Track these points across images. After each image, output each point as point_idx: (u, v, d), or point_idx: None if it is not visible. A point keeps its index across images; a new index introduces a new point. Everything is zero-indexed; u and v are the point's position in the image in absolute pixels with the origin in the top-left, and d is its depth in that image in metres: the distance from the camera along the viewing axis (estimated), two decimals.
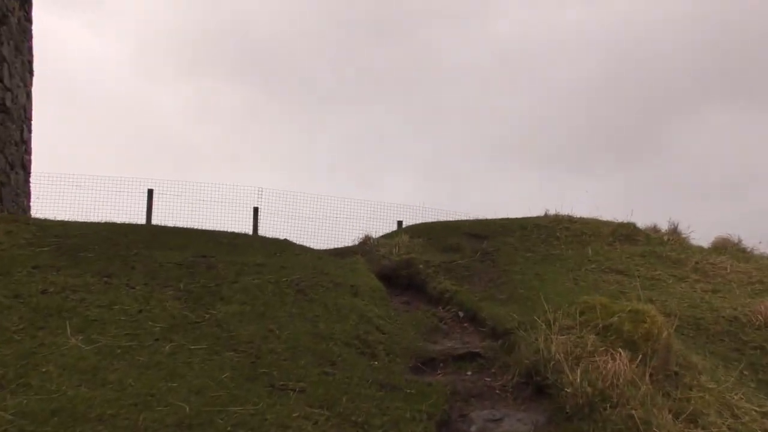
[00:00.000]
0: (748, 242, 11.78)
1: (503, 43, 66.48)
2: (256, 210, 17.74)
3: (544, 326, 5.68)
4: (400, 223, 15.97)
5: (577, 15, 64.79)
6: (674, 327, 5.76)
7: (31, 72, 11.79)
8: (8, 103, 10.23)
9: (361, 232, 14.38)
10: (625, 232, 11.48)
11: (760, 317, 7.48)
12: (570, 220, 12.08)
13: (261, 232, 16.43)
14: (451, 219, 14.29)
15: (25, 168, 11.27)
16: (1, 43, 9.94)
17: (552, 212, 12.48)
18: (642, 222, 12.15)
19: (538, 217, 12.37)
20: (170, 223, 13.52)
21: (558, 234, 11.33)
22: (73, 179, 16.72)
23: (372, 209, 17.78)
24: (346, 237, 15.20)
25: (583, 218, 12.25)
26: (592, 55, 64.41)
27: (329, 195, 18.16)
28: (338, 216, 18.26)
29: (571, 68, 61.74)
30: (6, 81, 10.12)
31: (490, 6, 70.20)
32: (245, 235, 9.97)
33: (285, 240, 11.05)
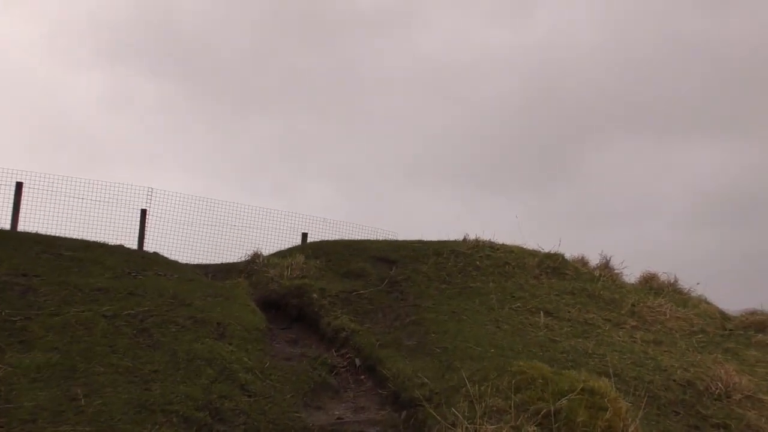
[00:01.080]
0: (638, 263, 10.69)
1: (424, 57, 65.75)
2: (143, 213, 15.16)
3: (465, 406, 4.08)
4: (305, 235, 14.24)
5: (500, 37, 64.76)
6: (627, 398, 4.32)
7: None
8: None
9: (260, 244, 12.58)
10: (553, 264, 10.07)
11: (719, 384, 6.12)
12: (491, 246, 10.57)
13: (149, 239, 14.21)
14: (360, 238, 12.67)
15: None
16: None
17: (472, 236, 10.97)
18: (567, 250, 10.77)
19: (456, 242, 10.81)
20: (39, 224, 11.35)
21: (478, 263, 9.80)
22: None
23: (275, 219, 15.94)
24: (242, 249, 13.34)
25: (506, 245, 10.78)
26: (511, 76, 64.46)
27: (230, 201, 16.02)
28: (238, 225, 16.18)
29: (488, 88, 61.49)
30: None
31: (414, 18, 69.42)
32: (100, 246, 8.02)
33: (154, 254, 9.14)
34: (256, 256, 9.78)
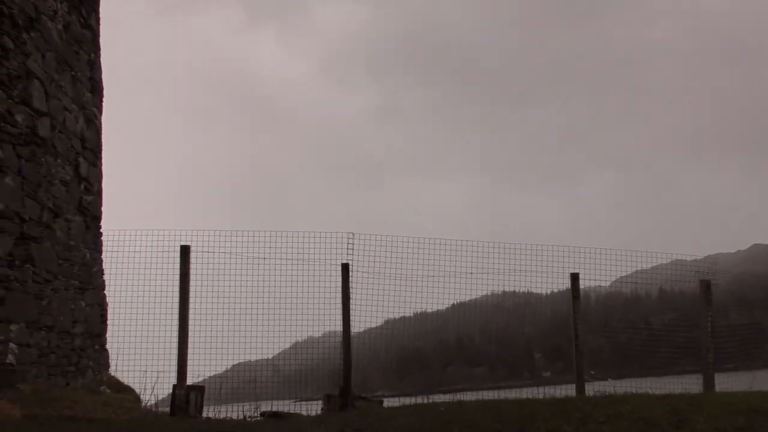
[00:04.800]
0: None
1: (706, 18, 61.59)
2: (345, 268, 10.67)
3: None
4: (575, 277, 10.89)
5: None
6: None
7: (95, 91, 9.65)
8: (43, 131, 8.04)
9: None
10: None
11: None
12: None
13: (355, 297, 10.41)
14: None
15: (86, 212, 9.09)
16: (27, 54, 7.77)
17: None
18: None
19: None
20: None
21: None
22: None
23: (530, 255, 11.92)
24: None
25: None
26: None
27: (457, 239, 11.21)
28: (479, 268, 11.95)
29: None
30: (38, 103, 7.94)
31: None
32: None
33: None
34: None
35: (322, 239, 9.82)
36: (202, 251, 9.03)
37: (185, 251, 8.97)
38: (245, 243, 9.49)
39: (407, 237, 10.31)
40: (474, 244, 10.75)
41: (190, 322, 8.91)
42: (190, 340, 8.94)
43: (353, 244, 9.77)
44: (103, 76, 10.10)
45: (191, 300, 8.92)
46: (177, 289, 8.81)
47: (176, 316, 8.97)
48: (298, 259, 9.55)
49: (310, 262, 9.64)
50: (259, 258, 9.35)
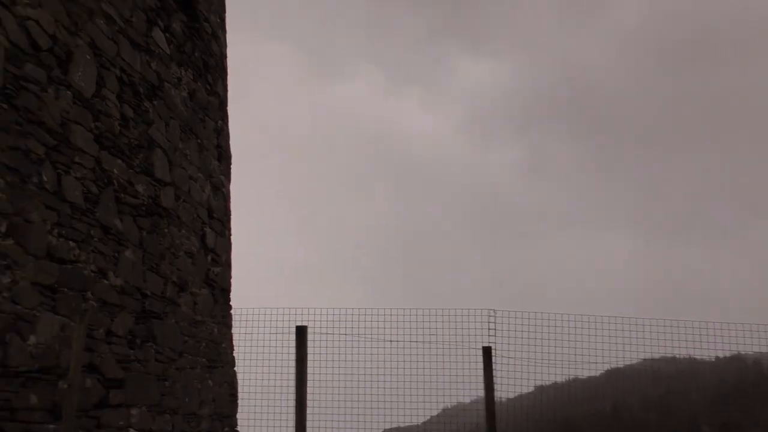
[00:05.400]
0: None
1: None
2: (487, 353, 9.12)
3: None
4: None
5: None
6: None
7: (222, 158, 9.37)
8: (166, 201, 7.70)
9: None
10: None
11: None
12: None
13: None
14: None
15: (214, 285, 8.67)
16: (149, 123, 7.49)
17: None
18: None
19: None
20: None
21: None
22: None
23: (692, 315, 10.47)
24: None
25: None
26: None
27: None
28: None
29: None
30: (160, 173, 7.62)
31: None
32: None
33: None
34: None
35: (459, 318, 8.81)
36: (320, 332, 8.30)
37: (301, 333, 8.24)
38: (373, 322, 8.68)
39: (554, 314, 9.09)
40: (620, 321, 9.40)
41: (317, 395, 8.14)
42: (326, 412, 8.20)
43: (494, 322, 8.68)
44: (236, 144, 9.84)
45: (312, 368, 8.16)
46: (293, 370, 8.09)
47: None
48: (431, 341, 8.60)
49: (446, 345, 8.66)
50: (386, 341, 8.49)
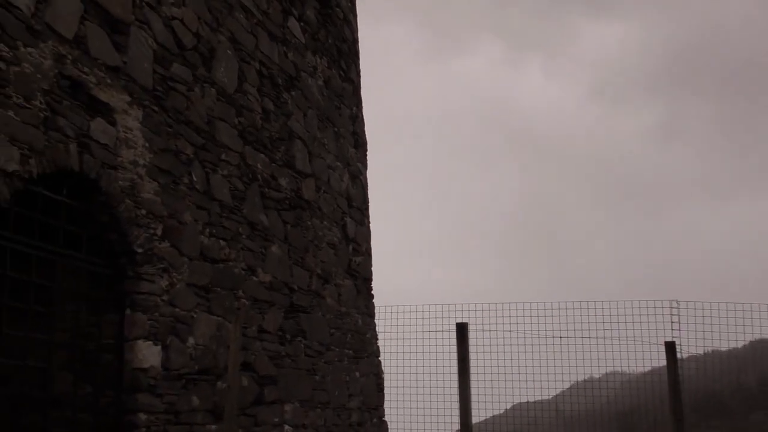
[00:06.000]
0: None
1: None
2: (671, 347, 7.98)
3: None
4: None
5: None
6: None
7: (358, 145, 9.22)
8: (308, 193, 7.60)
9: None
10: None
11: None
12: None
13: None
14: None
15: (356, 275, 8.55)
16: (288, 114, 7.38)
17: None
18: None
19: None
20: None
21: None
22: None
23: None
24: None
25: None
26: None
27: None
28: None
29: None
30: (301, 164, 7.51)
31: None
32: None
33: None
34: None
35: (635, 310, 8.06)
36: (483, 329, 7.89)
37: (462, 330, 7.83)
38: (535, 317, 8.18)
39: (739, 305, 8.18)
40: None
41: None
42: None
43: (678, 314, 7.89)
44: (366, 129, 9.64)
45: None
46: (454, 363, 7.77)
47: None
48: (605, 336, 7.98)
49: (622, 340, 8.00)
50: (555, 336, 7.95)
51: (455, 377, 7.69)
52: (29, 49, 4.22)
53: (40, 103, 4.27)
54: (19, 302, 4.29)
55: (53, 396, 4.61)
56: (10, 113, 4.04)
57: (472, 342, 7.74)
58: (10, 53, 4.07)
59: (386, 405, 8.68)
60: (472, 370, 7.68)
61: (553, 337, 7.86)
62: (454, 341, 7.76)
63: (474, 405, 7.83)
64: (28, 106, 4.17)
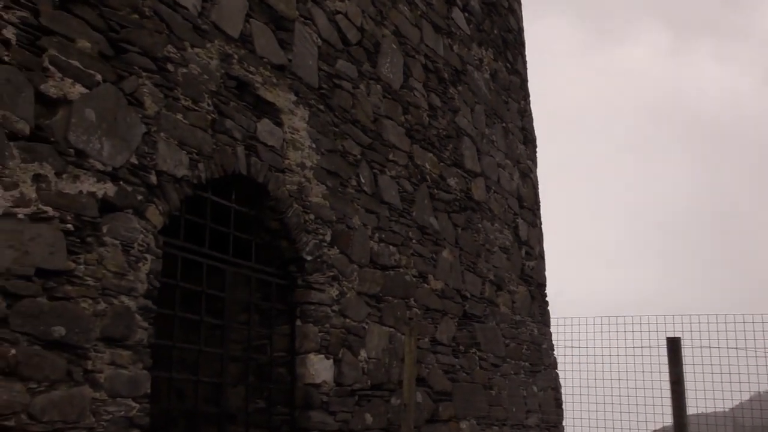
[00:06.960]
0: None
1: None
2: None
3: None
4: None
5: None
6: None
7: (527, 142, 8.63)
8: (478, 193, 7.11)
9: None
10: None
11: None
12: None
13: None
14: None
15: (530, 280, 7.95)
16: (455, 110, 6.92)
17: None
18: None
19: None
20: None
21: None
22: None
23: None
24: None
25: None
26: None
27: None
28: None
29: None
30: (470, 163, 7.03)
31: None
32: None
33: None
34: None
35: None
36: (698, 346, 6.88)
37: (674, 346, 6.74)
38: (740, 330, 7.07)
39: None
40: None
41: None
42: None
43: None
44: (534, 125, 9.02)
45: None
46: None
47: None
48: None
49: None
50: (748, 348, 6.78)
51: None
52: (196, 50, 4.04)
53: (208, 105, 4.07)
54: (190, 313, 4.11)
55: (227, 411, 4.40)
56: (179, 116, 3.86)
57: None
58: (178, 54, 3.90)
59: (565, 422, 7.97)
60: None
61: (754, 348, 6.73)
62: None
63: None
64: (196, 108, 3.98)
